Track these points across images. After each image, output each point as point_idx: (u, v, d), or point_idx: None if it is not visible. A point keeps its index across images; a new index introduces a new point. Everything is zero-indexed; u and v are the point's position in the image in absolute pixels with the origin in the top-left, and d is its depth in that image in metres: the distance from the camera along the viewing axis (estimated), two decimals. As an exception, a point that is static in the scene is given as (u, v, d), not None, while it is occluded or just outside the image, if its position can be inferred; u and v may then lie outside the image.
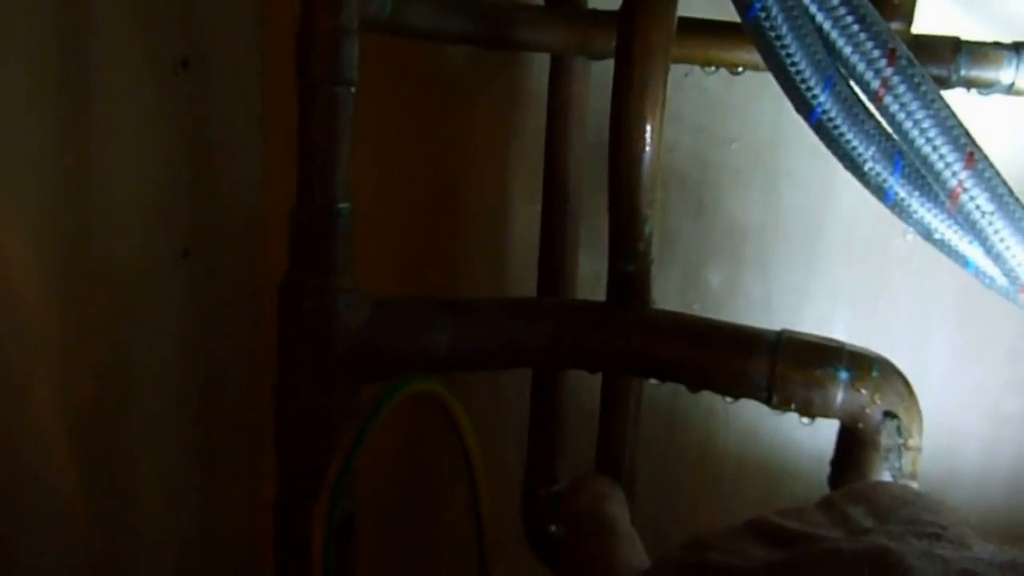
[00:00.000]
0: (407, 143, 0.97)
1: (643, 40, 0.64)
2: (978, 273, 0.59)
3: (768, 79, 0.59)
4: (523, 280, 0.97)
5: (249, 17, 0.91)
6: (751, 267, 1.00)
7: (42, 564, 0.74)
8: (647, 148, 0.66)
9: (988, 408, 1.00)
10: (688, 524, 1.04)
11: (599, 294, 0.74)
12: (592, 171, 0.87)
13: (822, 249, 0.99)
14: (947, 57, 0.75)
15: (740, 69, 0.79)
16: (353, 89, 0.61)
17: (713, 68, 0.80)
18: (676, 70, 0.68)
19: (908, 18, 0.74)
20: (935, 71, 0.75)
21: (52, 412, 0.73)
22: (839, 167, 0.60)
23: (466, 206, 1.00)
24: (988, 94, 0.76)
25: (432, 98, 0.97)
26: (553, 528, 0.90)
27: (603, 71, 0.82)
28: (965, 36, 0.76)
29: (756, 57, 0.74)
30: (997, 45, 0.76)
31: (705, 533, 0.49)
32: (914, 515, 0.47)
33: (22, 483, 0.71)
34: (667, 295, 0.99)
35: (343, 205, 0.63)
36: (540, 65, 0.88)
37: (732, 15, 0.57)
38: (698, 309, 1.01)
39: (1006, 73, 0.75)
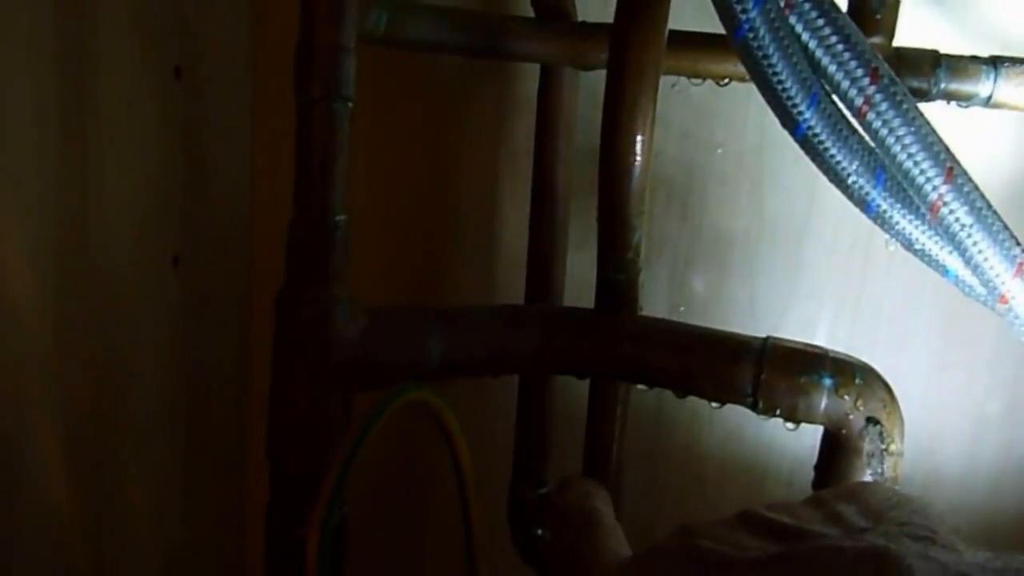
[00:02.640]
0: (396, 149, 0.98)
1: (635, 57, 0.65)
2: (958, 282, 0.60)
3: (753, 87, 0.60)
4: (511, 284, 0.98)
5: (242, 27, 0.92)
6: (736, 271, 1.01)
7: (34, 565, 0.75)
8: (637, 161, 0.67)
9: (969, 411, 1.02)
10: (673, 525, 1.05)
11: (585, 297, 0.75)
12: (580, 176, 0.88)
13: (806, 253, 1.00)
14: (927, 71, 0.76)
15: (726, 81, 0.80)
16: (350, 105, 0.62)
17: (700, 80, 0.81)
18: (664, 81, 0.69)
19: (890, 33, 0.75)
20: (915, 84, 0.76)
21: (46, 417, 0.74)
22: (823, 171, 0.61)
23: (455, 212, 1.01)
24: (967, 106, 0.78)
25: (422, 105, 0.97)
26: (540, 531, 0.91)
27: (591, 78, 0.84)
28: (945, 50, 0.77)
29: (741, 70, 0.76)
30: (975, 59, 0.77)
31: (694, 523, 0.49)
32: (905, 517, 0.47)
33: (16, 487, 0.72)
34: (653, 299, 1.00)
35: (340, 218, 0.64)
36: (529, 73, 0.89)
37: (717, 27, 0.58)
38: (683, 313, 1.02)
39: (984, 86, 0.76)
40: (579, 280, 0.89)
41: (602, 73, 0.74)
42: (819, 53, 0.55)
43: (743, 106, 0.95)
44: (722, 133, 0.98)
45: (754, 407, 0.67)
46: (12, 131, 0.67)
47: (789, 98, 0.56)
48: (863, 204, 0.59)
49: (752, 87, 0.60)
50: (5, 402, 0.70)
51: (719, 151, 0.98)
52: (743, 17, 0.55)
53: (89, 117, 0.73)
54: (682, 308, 1.02)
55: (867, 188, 0.58)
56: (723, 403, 0.69)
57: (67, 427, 0.76)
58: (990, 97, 0.76)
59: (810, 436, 0.71)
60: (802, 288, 1.01)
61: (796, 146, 0.61)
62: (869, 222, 0.61)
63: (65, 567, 0.78)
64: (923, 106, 0.57)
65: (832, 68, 0.55)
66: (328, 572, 0.58)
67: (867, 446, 0.65)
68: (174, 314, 0.87)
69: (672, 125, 0.96)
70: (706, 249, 1.01)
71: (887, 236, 0.61)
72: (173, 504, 0.92)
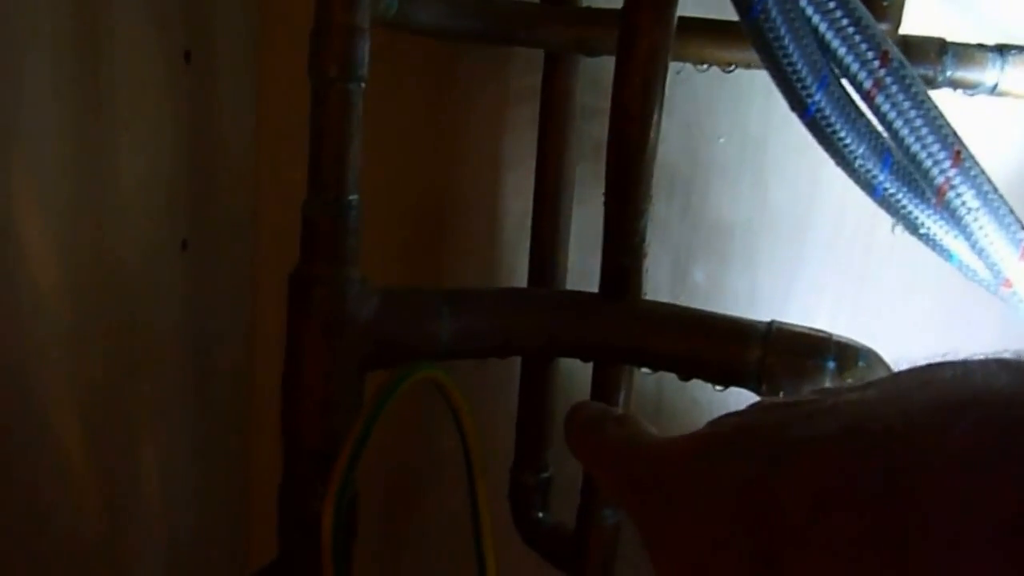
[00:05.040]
0: (400, 135, 0.98)
1: (645, 41, 0.65)
2: (961, 267, 0.61)
3: (756, 75, 0.61)
4: (514, 270, 0.99)
5: (249, 11, 0.92)
6: (737, 261, 1.01)
7: (50, 520, 0.76)
8: (646, 147, 0.67)
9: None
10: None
11: (586, 284, 0.76)
12: (582, 163, 0.89)
13: (808, 244, 1.00)
14: (933, 58, 0.76)
15: (731, 67, 0.81)
16: (364, 85, 0.63)
17: (705, 66, 0.81)
18: (669, 68, 0.69)
19: (896, 20, 0.75)
20: (922, 71, 0.76)
21: (62, 392, 0.75)
22: (826, 162, 0.61)
23: (459, 198, 1.01)
24: (973, 95, 0.78)
25: (426, 92, 0.98)
26: (541, 514, 0.92)
27: (594, 65, 0.84)
28: (951, 38, 0.78)
29: (748, 55, 0.76)
30: (982, 47, 0.77)
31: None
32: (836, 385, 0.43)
33: (34, 461, 0.73)
34: (654, 289, 1.00)
35: (353, 198, 0.65)
36: (533, 61, 0.89)
37: (721, 13, 0.59)
38: (684, 303, 1.02)
39: (990, 74, 0.76)
40: (580, 267, 0.89)
41: (604, 60, 0.74)
42: (829, 35, 0.56)
43: (746, 96, 0.95)
44: (725, 122, 0.98)
45: (758, 390, 0.68)
46: (31, 114, 0.68)
47: (799, 80, 0.57)
48: (869, 187, 0.60)
49: (755, 76, 0.60)
50: (25, 379, 0.71)
51: (721, 140, 0.99)
52: (755, -2, 0.56)
53: (105, 102, 0.74)
54: (682, 298, 1.03)
55: (874, 171, 0.59)
56: (727, 386, 0.70)
57: (81, 402, 0.77)
58: (996, 85, 0.77)
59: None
60: (803, 278, 1.01)
61: (799, 136, 0.61)
62: (871, 212, 0.62)
63: (82, 538, 0.79)
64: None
65: (843, 51, 0.56)
66: (342, 547, 0.59)
67: (869, 428, 0.65)
68: (182, 296, 0.88)
69: (675, 114, 0.96)
70: (707, 239, 1.01)
71: (893, 222, 0.62)
72: (180, 480, 0.92)
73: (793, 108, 0.59)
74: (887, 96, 0.55)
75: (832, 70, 0.58)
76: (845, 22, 0.56)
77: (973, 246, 0.58)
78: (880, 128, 0.58)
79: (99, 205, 0.75)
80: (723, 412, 0.97)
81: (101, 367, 0.79)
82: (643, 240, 0.72)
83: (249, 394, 1.01)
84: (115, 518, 0.83)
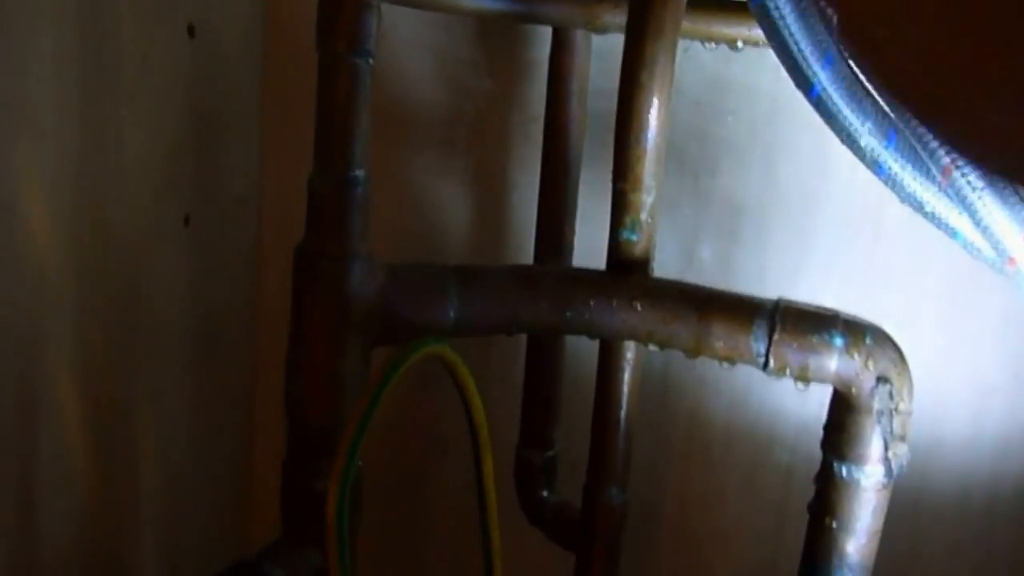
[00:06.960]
0: (406, 112, 0.98)
1: (653, 17, 0.65)
2: (966, 245, 0.61)
3: (765, 53, 0.60)
4: (521, 247, 0.99)
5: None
6: (746, 239, 1.01)
7: (51, 497, 0.76)
8: (654, 122, 0.67)
9: (975, 379, 1.02)
10: (679, 489, 1.06)
11: (594, 264, 0.75)
12: (590, 142, 0.88)
13: (817, 221, 1.00)
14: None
15: (740, 45, 0.80)
16: (371, 61, 0.63)
17: (714, 45, 0.81)
18: (678, 46, 0.69)
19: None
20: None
21: (63, 365, 0.75)
22: (835, 142, 0.61)
23: (464, 175, 1.01)
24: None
25: (434, 69, 0.97)
26: (546, 493, 0.92)
27: (602, 42, 0.84)
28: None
29: (756, 34, 0.76)
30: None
31: None
32: None
33: (35, 437, 0.73)
34: (662, 268, 1.00)
35: (360, 173, 0.64)
36: (541, 36, 0.89)
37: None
38: (692, 280, 1.02)
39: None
40: (588, 247, 0.89)
41: (612, 37, 0.74)
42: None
43: (755, 74, 0.95)
44: (734, 101, 0.97)
45: (765, 367, 0.68)
46: (34, 89, 0.68)
47: (804, 60, 0.57)
48: (875, 165, 0.59)
49: (764, 54, 0.60)
50: (27, 351, 0.71)
51: (730, 119, 0.98)
52: (759, -21, 0.56)
53: (108, 76, 0.74)
54: (690, 276, 1.02)
55: (879, 149, 0.58)
56: (734, 363, 0.70)
57: (83, 377, 0.77)
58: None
59: (815, 401, 0.71)
60: (812, 257, 1.01)
61: (808, 114, 0.61)
62: (879, 192, 0.62)
63: (82, 503, 0.79)
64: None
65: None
66: (347, 524, 0.58)
67: (877, 405, 0.65)
68: (185, 272, 0.88)
69: (684, 92, 0.96)
70: (716, 216, 1.01)
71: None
72: (182, 457, 0.93)
73: (799, 87, 0.59)
74: (894, 80, 0.55)
75: (840, 49, 0.58)
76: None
77: (977, 224, 0.57)
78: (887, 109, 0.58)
79: (102, 180, 0.75)
80: (730, 392, 0.96)
81: (103, 342, 0.79)
82: (651, 217, 0.72)
83: (253, 370, 1.02)
84: (116, 495, 0.83)
